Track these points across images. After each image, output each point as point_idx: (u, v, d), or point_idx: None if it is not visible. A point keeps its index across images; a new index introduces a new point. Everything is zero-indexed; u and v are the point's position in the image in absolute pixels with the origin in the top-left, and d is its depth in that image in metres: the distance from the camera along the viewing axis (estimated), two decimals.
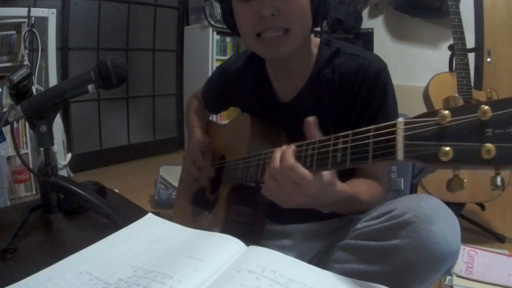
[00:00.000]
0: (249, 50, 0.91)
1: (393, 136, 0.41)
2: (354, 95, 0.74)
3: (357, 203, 0.67)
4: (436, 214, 0.53)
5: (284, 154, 0.55)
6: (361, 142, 0.45)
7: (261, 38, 0.71)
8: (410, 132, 0.39)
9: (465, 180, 0.38)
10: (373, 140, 0.44)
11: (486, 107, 0.34)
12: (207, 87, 1.05)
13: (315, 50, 0.80)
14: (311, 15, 0.71)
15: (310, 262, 0.52)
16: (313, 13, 0.71)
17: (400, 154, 0.40)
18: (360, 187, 0.69)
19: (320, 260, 0.74)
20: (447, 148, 0.35)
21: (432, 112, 0.38)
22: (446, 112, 0.36)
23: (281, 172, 0.54)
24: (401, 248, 0.54)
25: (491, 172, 0.36)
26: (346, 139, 0.48)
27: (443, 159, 0.36)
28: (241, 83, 0.91)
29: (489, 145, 0.33)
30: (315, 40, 0.81)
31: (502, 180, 0.35)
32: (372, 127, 0.45)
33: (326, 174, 0.55)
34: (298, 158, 0.55)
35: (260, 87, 0.87)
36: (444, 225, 0.53)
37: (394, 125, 0.41)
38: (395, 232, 0.55)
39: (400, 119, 0.41)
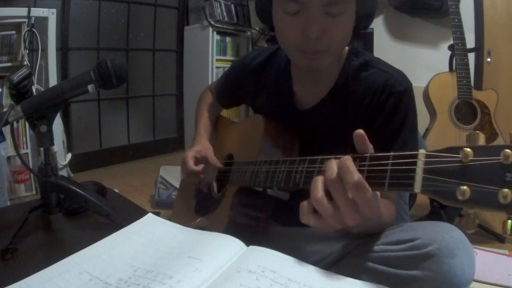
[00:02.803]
0: (272, 48, 0.89)
1: (413, 167, 0.40)
2: (377, 112, 0.73)
3: (382, 225, 0.65)
4: (457, 247, 0.54)
5: (348, 167, 0.44)
6: (378, 168, 0.44)
7: (303, 55, 0.69)
8: (430, 166, 0.39)
9: (477, 221, 0.38)
10: (391, 167, 0.43)
11: (510, 151, 0.33)
12: (224, 80, 1.02)
13: (342, 59, 0.78)
14: (352, 31, 0.70)
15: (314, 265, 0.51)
16: (355, 27, 0.70)
17: (417, 187, 0.39)
18: (383, 208, 0.65)
19: (329, 269, 0.74)
20: (465, 188, 0.35)
21: (455, 148, 0.38)
22: (469, 150, 0.36)
23: (343, 187, 0.45)
24: (421, 279, 0.54)
25: None
26: (363, 162, 0.46)
27: (460, 198, 0.36)
28: (261, 81, 0.89)
29: (506, 190, 0.33)
30: (344, 49, 0.80)
31: None
32: (391, 154, 0.44)
33: (377, 193, 0.48)
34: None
35: (279, 89, 0.85)
36: (464, 258, 0.54)
37: (415, 156, 0.41)
38: (417, 263, 0.55)
39: (422, 151, 0.41)
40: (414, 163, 0.40)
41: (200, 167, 0.90)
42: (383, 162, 0.44)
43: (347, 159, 0.45)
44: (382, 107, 0.73)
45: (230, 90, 1.00)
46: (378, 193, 0.48)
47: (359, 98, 0.75)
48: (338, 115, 0.77)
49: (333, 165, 0.46)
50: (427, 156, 0.40)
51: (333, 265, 0.72)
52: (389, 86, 0.72)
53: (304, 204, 0.49)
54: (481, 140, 0.37)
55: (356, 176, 0.44)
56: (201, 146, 0.94)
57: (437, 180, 0.38)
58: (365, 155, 0.47)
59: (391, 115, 0.72)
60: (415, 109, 0.75)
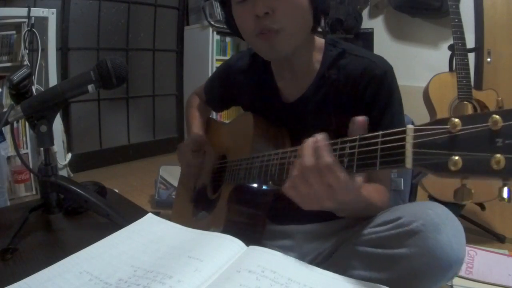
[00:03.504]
0: (253, 49, 0.91)
1: (403, 143, 0.40)
2: (360, 97, 0.74)
3: (370, 209, 0.66)
4: (443, 223, 0.54)
5: (320, 151, 0.47)
6: (369, 148, 0.44)
7: (258, 37, 0.70)
8: (419, 140, 0.39)
9: (472, 190, 0.37)
10: (381, 146, 0.43)
11: (497, 116, 0.33)
12: (210, 84, 1.05)
13: (320, 50, 0.80)
14: (310, 14, 0.71)
15: (311, 263, 0.51)
16: (313, 11, 0.71)
17: (409, 162, 0.39)
18: (372, 192, 0.68)
19: (323, 262, 0.74)
20: (457, 158, 0.35)
21: (442, 119, 0.37)
22: (457, 120, 0.35)
23: (316, 171, 0.47)
24: (408, 256, 0.54)
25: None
26: (353, 144, 0.47)
27: (452, 168, 0.35)
28: (245, 81, 0.91)
29: (498, 156, 0.32)
30: (320, 41, 0.81)
31: (510, 192, 0.34)
32: (380, 132, 0.44)
33: (359, 178, 0.50)
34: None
35: (264, 86, 0.86)
36: (451, 233, 0.53)
37: (404, 132, 0.40)
38: (402, 241, 0.55)
39: (410, 126, 0.40)
40: (403, 139, 0.40)
41: (197, 159, 0.92)
42: (372, 141, 0.44)
43: (322, 143, 0.48)
44: (364, 92, 0.73)
45: (218, 93, 1.02)
46: (360, 177, 0.49)
47: (340, 86, 0.76)
48: (322, 105, 0.78)
49: (306, 150, 0.49)
50: (415, 130, 0.39)
51: (328, 259, 0.73)
52: (368, 71, 0.73)
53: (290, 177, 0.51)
54: (469, 110, 0.37)
55: (328, 159, 0.46)
56: (195, 136, 0.96)
57: (428, 153, 0.37)
58: (353, 137, 0.47)
59: (373, 99, 0.73)
60: (398, 90, 0.76)
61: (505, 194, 0.34)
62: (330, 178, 0.47)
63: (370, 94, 0.73)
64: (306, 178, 0.49)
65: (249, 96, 0.90)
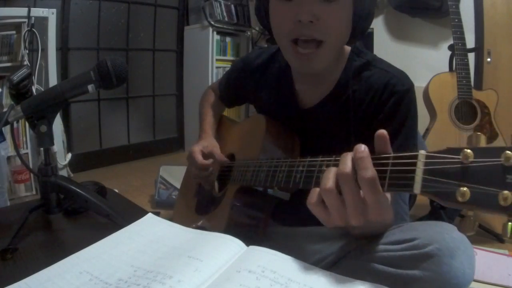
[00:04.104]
0: (274, 47, 0.88)
1: (413, 168, 0.40)
2: (377, 111, 0.73)
3: (382, 228, 0.65)
4: (458, 248, 0.54)
5: (364, 162, 0.43)
6: (378, 168, 0.44)
7: (296, 49, 0.68)
8: (430, 167, 0.39)
9: (476, 223, 0.38)
10: (391, 168, 0.43)
11: (510, 152, 0.33)
12: (226, 79, 1.04)
13: (344, 59, 0.78)
14: (350, 28, 0.69)
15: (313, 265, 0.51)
16: (354, 27, 0.69)
17: (417, 188, 0.39)
18: None
19: (328, 269, 0.74)
20: (465, 189, 0.35)
21: (455, 149, 0.37)
22: (469, 151, 0.36)
23: (354, 184, 0.43)
24: (421, 279, 0.54)
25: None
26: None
27: (460, 199, 0.35)
28: (262, 81, 0.89)
29: (507, 192, 0.33)
30: (346, 48, 0.80)
31: None
32: (391, 155, 0.44)
33: (389, 197, 0.47)
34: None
35: (281, 88, 0.85)
36: (464, 259, 0.54)
37: (415, 157, 0.40)
38: (416, 263, 0.55)
39: (422, 152, 0.40)
40: (414, 164, 0.40)
41: (209, 161, 0.90)
42: (382, 162, 0.44)
43: (364, 152, 0.44)
44: (383, 106, 0.73)
45: (232, 89, 1.01)
46: (389, 198, 0.47)
47: (360, 97, 0.75)
48: (339, 114, 0.77)
49: (347, 159, 0.45)
50: (427, 157, 0.39)
51: (333, 266, 0.72)
52: (391, 86, 0.72)
53: (316, 190, 0.48)
54: (482, 141, 0.37)
55: (371, 172, 0.42)
56: (207, 142, 0.95)
57: (437, 181, 0.38)
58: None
59: (391, 114, 0.72)
60: (416, 109, 0.75)
61: (509, 230, 0.36)
62: (368, 192, 0.43)
63: (388, 109, 0.72)
64: (341, 189, 0.44)
65: (264, 96, 0.89)
